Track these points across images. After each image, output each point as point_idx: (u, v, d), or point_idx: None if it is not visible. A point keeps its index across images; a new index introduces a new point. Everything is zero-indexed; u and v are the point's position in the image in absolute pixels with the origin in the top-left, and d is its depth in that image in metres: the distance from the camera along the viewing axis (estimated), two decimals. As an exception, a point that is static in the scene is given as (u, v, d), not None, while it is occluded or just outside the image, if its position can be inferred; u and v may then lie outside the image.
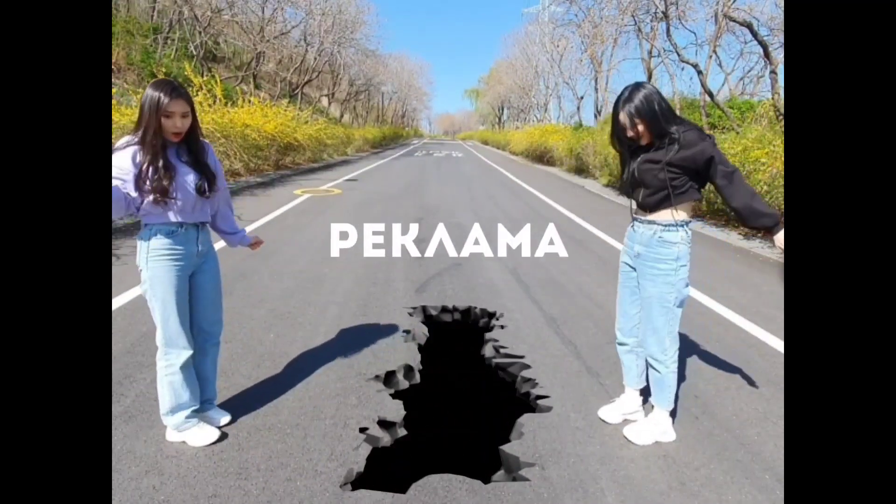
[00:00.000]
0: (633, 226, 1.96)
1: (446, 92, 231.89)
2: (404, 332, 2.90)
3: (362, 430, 1.97)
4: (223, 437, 1.91)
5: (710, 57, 13.48)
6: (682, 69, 15.39)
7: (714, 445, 1.96)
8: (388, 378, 2.39)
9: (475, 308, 3.32)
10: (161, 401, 1.86)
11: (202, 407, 1.97)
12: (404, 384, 2.37)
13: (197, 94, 9.70)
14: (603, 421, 2.09)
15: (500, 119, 49.75)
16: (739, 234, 6.20)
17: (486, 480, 1.74)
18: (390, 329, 2.92)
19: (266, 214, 6.75)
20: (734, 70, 13.03)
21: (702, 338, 2.95)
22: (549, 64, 28.89)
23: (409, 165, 17.25)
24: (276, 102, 15.46)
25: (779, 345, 2.84)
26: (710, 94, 11.24)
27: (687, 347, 2.81)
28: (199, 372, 1.94)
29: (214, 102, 10.42)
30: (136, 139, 1.69)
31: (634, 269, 1.96)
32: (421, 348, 2.71)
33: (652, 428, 1.98)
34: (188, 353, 1.83)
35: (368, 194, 9.16)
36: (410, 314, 3.20)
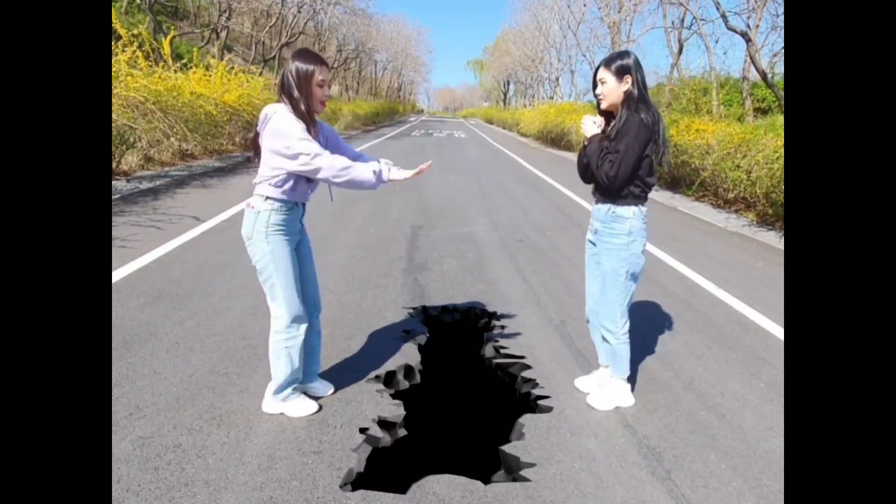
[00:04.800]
0: (594, 204, 2.27)
1: (446, 63, 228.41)
2: (404, 331, 3.01)
3: (362, 430, 2.09)
4: (321, 408, 2.20)
5: (757, 26, 11.81)
6: (717, 41, 13.83)
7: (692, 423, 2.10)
8: (388, 378, 2.51)
9: (475, 308, 3.43)
10: (276, 375, 2.10)
11: (308, 379, 2.26)
12: (404, 384, 2.50)
13: (123, 51, 7.79)
14: (577, 388, 2.47)
15: (505, 95, 47.85)
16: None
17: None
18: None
19: (212, 217, 5.67)
20: (764, 45, 11.58)
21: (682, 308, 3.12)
22: (563, 33, 27.18)
23: (405, 149, 15.83)
24: (247, 69, 13.55)
25: (745, 309, 2.43)
26: (763, 73, 9.57)
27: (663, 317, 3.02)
28: (309, 343, 2.21)
29: (157, 63, 8.54)
30: (292, 111, 1.91)
31: (595, 245, 2.27)
32: (421, 348, 2.83)
33: (611, 395, 2.33)
34: (306, 324, 2.10)
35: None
36: (411, 314, 3.29)
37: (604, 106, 2.15)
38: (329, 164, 1.90)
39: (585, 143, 2.21)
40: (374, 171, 1.96)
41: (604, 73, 2.11)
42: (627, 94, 2.08)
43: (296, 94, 1.91)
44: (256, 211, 1.97)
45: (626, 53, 2.12)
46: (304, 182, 2.00)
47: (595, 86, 2.17)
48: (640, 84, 2.08)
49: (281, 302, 2.03)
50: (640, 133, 2.02)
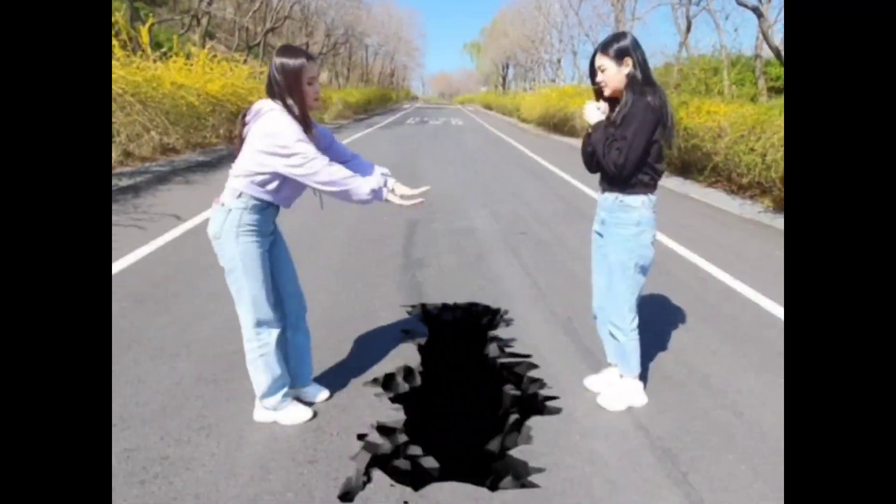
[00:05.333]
0: (600, 194, 2.25)
1: (441, 46, 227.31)
2: (403, 331, 3.01)
3: (360, 436, 2.09)
4: (316, 415, 2.18)
5: (770, 0, 11.69)
6: (727, 18, 13.52)
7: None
8: (387, 381, 2.50)
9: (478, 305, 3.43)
10: (257, 385, 2.09)
11: (299, 383, 2.24)
12: (403, 387, 2.49)
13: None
14: (586, 388, 2.45)
15: (504, 79, 47.70)
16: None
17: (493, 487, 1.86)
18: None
19: (192, 216, 5.55)
20: (777, 21, 11.46)
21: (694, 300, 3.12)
22: (564, 12, 27.04)
23: (399, 138, 15.81)
24: (230, 56, 13.47)
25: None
26: (776, 50, 9.52)
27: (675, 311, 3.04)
28: (297, 345, 2.21)
29: (135, 53, 8.49)
30: (285, 110, 1.87)
31: (602, 237, 2.26)
32: (420, 349, 2.82)
33: (622, 394, 2.32)
34: (278, 329, 2.06)
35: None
36: (409, 313, 3.30)
37: (607, 93, 2.13)
38: (326, 170, 1.87)
39: (590, 130, 2.19)
40: (373, 189, 1.94)
41: (602, 60, 2.09)
42: (630, 78, 2.06)
43: (286, 97, 1.88)
44: (227, 209, 1.92)
45: (622, 35, 2.12)
46: (290, 186, 1.96)
47: (593, 74, 2.15)
48: (642, 64, 2.06)
49: (249, 306, 2.00)
50: (648, 117, 2.00)
